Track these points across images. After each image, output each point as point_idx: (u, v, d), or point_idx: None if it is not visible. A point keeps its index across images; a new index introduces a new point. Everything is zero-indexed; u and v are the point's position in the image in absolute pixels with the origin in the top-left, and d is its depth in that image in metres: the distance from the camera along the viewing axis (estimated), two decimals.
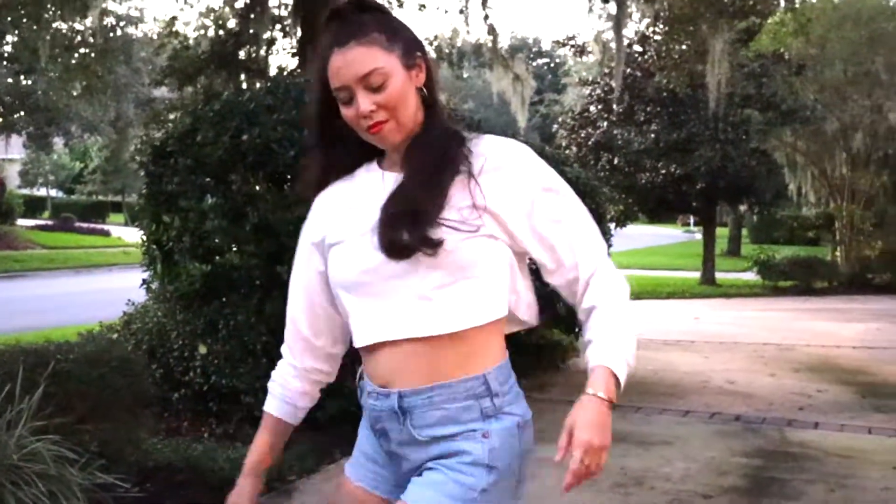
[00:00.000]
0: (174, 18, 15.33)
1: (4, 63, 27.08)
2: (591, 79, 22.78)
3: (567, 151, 20.96)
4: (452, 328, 1.83)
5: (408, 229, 1.79)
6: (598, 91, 21.40)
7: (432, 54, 15.64)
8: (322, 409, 5.54)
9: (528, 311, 2.02)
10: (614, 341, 1.88)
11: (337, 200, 2.01)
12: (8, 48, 26.01)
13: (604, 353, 1.87)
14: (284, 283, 5.52)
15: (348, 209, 1.97)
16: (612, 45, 12.88)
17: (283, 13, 13.38)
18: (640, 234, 39.82)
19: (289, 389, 2.12)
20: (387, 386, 1.90)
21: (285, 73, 11.39)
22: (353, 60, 1.83)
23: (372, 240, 1.85)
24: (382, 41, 1.85)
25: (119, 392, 4.10)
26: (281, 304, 5.77)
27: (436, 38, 14.16)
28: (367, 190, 1.95)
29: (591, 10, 10.42)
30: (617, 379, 1.85)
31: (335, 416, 5.53)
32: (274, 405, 2.12)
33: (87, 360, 4.07)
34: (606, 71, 14.14)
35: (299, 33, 11.33)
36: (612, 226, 23.51)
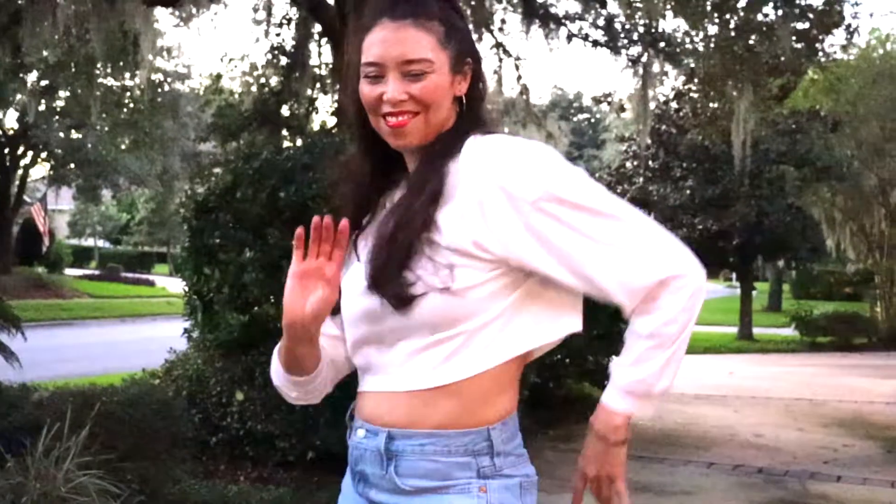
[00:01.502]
0: (219, 76, 15.85)
1: (57, 118, 27.90)
2: (627, 135, 23.06)
3: None
4: (444, 381, 1.62)
5: (382, 282, 1.60)
6: (635, 147, 21.66)
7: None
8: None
9: (567, 326, 1.72)
10: (626, 370, 1.64)
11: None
12: (60, 103, 26.86)
13: (610, 390, 1.66)
14: None
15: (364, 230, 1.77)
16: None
17: (324, 72, 13.82)
18: None
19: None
20: (375, 422, 1.68)
21: (323, 130, 11.80)
22: (404, 40, 1.61)
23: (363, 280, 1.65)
24: (441, 34, 1.63)
25: (158, 433, 4.36)
26: None
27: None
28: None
29: (623, 69, 10.64)
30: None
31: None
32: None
33: (130, 402, 4.35)
34: (641, 127, 14.37)
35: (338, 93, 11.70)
36: None
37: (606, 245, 1.56)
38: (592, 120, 73.67)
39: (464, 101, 1.69)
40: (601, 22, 10.66)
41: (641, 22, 11.07)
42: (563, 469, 6.51)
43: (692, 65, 12.20)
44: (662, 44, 11.04)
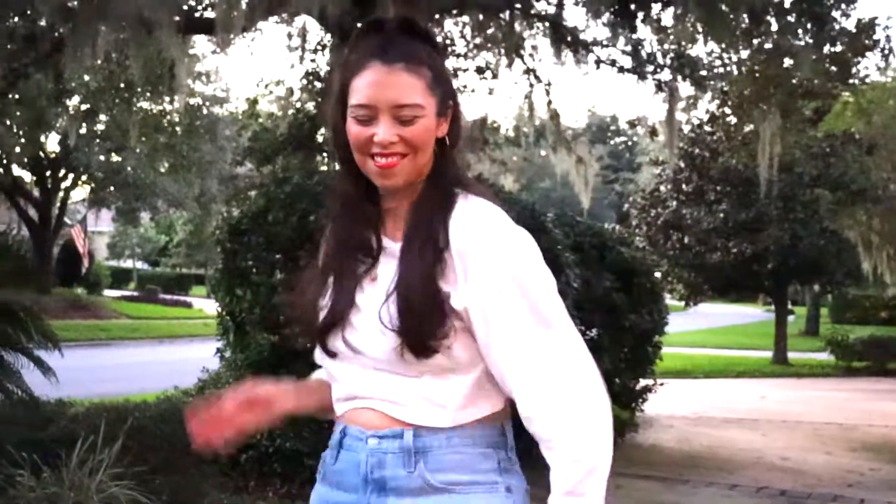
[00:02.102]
0: (256, 101, 16.12)
1: (97, 141, 28.40)
2: (660, 159, 23.09)
3: (637, 231, 21.26)
4: (464, 420, 1.70)
5: (411, 337, 1.64)
6: (668, 171, 21.67)
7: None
8: None
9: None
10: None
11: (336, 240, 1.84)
12: (101, 127, 27.36)
13: None
14: None
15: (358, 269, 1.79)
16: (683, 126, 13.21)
17: None
18: (720, 314, 39.78)
19: None
20: (392, 426, 1.71)
21: None
22: (397, 84, 1.66)
23: (372, 323, 1.69)
24: (429, 79, 1.69)
25: (187, 447, 4.50)
26: None
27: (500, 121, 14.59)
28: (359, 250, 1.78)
29: (654, 93, 10.73)
30: None
31: None
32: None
33: (161, 417, 4.51)
34: (669, 151, 14.43)
35: None
36: (684, 304, 23.65)
37: (534, 351, 1.65)
38: (629, 143, 73.62)
39: (446, 141, 1.75)
40: (628, 48, 10.76)
41: (669, 47, 11.15)
42: None
43: (724, 88, 12.24)
44: (689, 69, 11.11)
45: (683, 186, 20.75)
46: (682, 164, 20.60)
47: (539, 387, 1.65)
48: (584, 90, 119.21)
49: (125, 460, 4.05)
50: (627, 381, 8.98)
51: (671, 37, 10.80)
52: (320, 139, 14.16)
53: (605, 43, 10.93)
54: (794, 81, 12.20)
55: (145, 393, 10.68)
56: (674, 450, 8.51)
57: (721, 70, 11.88)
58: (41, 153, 29.70)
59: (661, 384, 9.85)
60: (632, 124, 22.35)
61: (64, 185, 32.55)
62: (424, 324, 1.63)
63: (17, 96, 12.93)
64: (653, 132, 22.09)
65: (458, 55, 12.64)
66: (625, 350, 8.80)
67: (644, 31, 11.00)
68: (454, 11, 10.81)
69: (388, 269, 1.73)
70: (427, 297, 1.64)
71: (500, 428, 1.72)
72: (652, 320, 9.05)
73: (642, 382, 9.52)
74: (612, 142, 73.80)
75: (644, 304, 8.92)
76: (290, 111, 14.82)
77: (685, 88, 11.75)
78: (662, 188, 21.95)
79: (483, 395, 1.71)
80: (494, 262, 1.64)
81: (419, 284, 1.65)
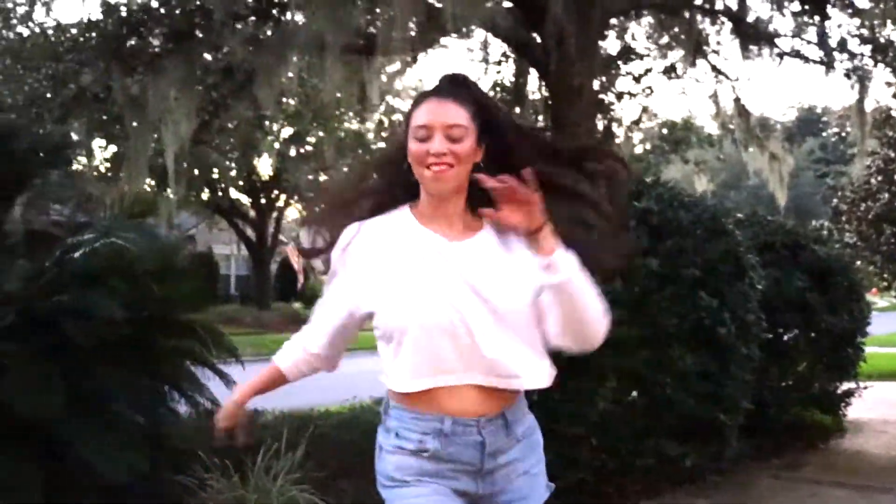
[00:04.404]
0: None
1: (304, 162, 29.72)
2: (870, 150, 21.90)
3: (847, 226, 20.27)
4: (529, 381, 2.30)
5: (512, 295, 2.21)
6: (879, 162, 20.55)
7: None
8: (563, 477, 5.96)
9: None
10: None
11: (381, 242, 2.29)
12: (308, 147, 28.69)
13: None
14: None
15: (402, 259, 2.24)
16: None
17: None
18: None
19: (303, 358, 2.52)
20: (490, 413, 2.25)
21: None
22: (447, 109, 2.19)
23: (465, 301, 2.18)
24: (472, 111, 2.22)
25: (364, 454, 4.72)
26: None
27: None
28: (420, 246, 2.25)
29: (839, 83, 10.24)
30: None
31: (574, 485, 5.92)
32: (287, 361, 2.53)
33: (342, 425, 4.75)
34: (859, 142, 13.69)
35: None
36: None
37: None
38: (843, 134, 69.94)
39: (481, 165, 2.23)
40: (813, 38, 10.32)
41: (860, 32, 10.58)
42: (779, 499, 6.40)
43: None
44: (887, 53, 10.51)
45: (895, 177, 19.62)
46: (894, 154, 19.49)
47: None
48: (789, 83, 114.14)
49: (306, 466, 4.30)
50: (827, 386, 8.60)
51: (865, 21, 10.26)
52: None
53: (789, 34, 10.54)
54: None
55: (339, 403, 11.16)
56: (881, 457, 8.08)
57: None
58: (255, 177, 31.40)
59: (866, 387, 9.37)
60: (841, 116, 21.26)
61: (277, 205, 34.26)
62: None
63: (221, 125, 13.80)
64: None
65: (641, 56, 12.51)
66: (823, 353, 8.45)
67: (836, 17, 10.52)
68: (631, 13, 10.73)
69: None
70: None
71: (523, 393, 2.37)
72: (852, 320, 8.63)
73: (844, 386, 9.09)
74: (823, 133, 70.40)
75: (842, 304, 8.53)
76: None
77: (882, 75, 11.13)
78: (873, 180, 20.81)
79: None
80: None
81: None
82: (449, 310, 2.17)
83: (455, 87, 2.28)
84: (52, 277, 3.64)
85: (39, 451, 3.37)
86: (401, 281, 2.21)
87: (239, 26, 9.85)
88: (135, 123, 9.49)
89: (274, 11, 10.01)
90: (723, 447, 6.41)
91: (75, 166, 9.79)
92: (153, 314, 3.82)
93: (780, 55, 10.50)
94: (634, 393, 5.98)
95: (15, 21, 12.06)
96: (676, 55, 12.33)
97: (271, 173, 31.80)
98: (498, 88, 14.32)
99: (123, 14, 9.55)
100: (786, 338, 8.10)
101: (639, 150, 16.95)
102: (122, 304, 3.42)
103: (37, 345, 3.45)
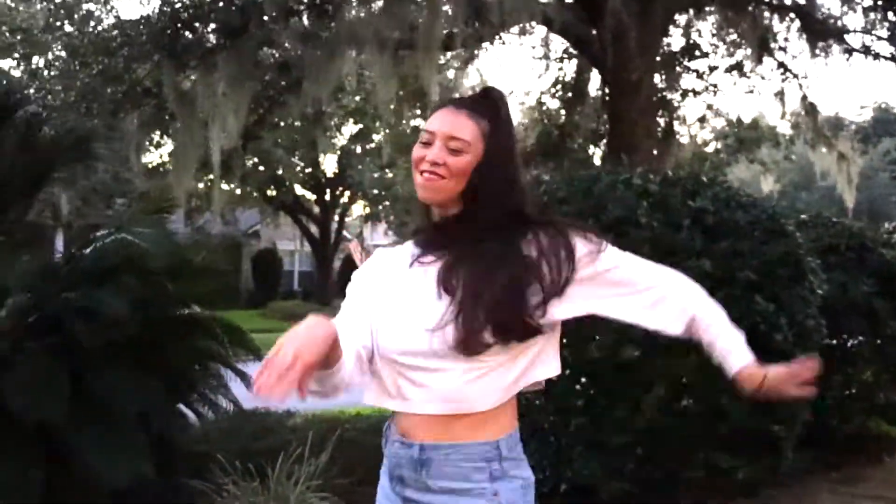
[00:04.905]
0: None
1: (368, 159, 29.79)
2: None
3: None
4: (485, 406, 2.03)
5: (493, 330, 1.98)
6: None
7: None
8: (607, 487, 5.74)
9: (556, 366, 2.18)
10: (736, 338, 2.19)
11: (393, 262, 2.23)
12: (372, 145, 28.74)
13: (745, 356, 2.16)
14: (569, 365, 5.66)
15: (399, 283, 2.14)
16: None
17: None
18: None
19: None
20: (410, 437, 2.08)
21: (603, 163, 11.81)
22: (455, 121, 2.09)
23: (438, 332, 1.99)
24: (484, 128, 2.10)
25: None
26: (566, 384, 5.90)
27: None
28: (409, 271, 2.13)
29: None
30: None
31: (618, 496, 5.70)
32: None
33: (371, 429, 4.58)
34: None
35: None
36: None
37: None
38: None
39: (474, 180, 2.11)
40: (884, 34, 9.88)
41: None
42: None
43: None
44: None
45: None
46: None
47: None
48: (863, 82, 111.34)
49: (332, 472, 4.15)
50: (892, 395, 8.21)
51: None
52: (570, 146, 14.08)
53: (859, 29, 10.11)
54: None
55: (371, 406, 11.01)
56: None
57: None
58: (319, 173, 31.54)
59: None
60: None
61: (342, 201, 34.39)
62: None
63: (276, 121, 13.77)
64: None
65: (706, 54, 12.16)
66: (889, 360, 8.07)
67: None
68: (691, 11, 10.41)
69: None
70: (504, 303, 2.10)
71: (494, 444, 2.07)
72: None
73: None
74: None
75: None
76: (541, 120, 14.79)
77: None
78: None
79: None
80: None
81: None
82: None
83: (480, 99, 2.19)
84: (63, 275, 3.54)
85: (41, 453, 3.26)
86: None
87: (293, 21, 9.76)
88: (184, 119, 9.43)
89: (328, 7, 9.89)
90: (778, 460, 6.13)
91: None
92: (166, 313, 3.69)
93: (849, 51, 10.10)
94: (686, 401, 5.73)
95: (76, 18, 12.17)
96: (743, 53, 11.99)
97: (336, 170, 31.94)
98: (559, 86, 14.08)
99: (178, 7, 9.50)
100: (849, 345, 7.75)
101: (705, 149, 16.56)
102: (132, 303, 3.29)
103: (43, 344, 3.36)
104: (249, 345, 4.23)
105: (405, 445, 2.08)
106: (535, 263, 2.03)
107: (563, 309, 2.06)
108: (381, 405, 2.14)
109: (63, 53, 10.98)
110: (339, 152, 29.50)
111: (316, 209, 34.53)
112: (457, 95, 2.38)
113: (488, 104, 2.16)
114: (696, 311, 2.15)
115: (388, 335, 2.09)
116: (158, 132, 12.68)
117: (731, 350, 2.15)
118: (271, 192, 30.74)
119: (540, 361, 2.10)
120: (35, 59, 11.97)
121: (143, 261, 3.41)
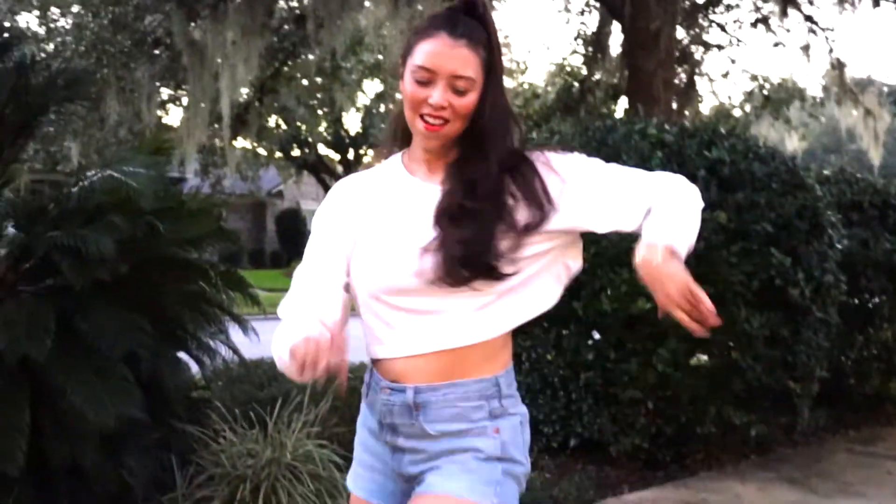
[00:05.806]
0: (525, 69, 16.06)
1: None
2: None
3: None
4: (486, 338, 1.92)
5: (473, 263, 1.84)
6: None
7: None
8: (617, 443, 5.66)
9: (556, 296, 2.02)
10: (675, 223, 1.85)
11: (365, 194, 2.05)
12: (394, 104, 28.59)
13: (663, 233, 1.83)
14: (580, 318, 5.58)
15: (382, 212, 1.99)
16: None
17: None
18: None
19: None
20: (401, 381, 1.94)
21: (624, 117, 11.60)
22: (458, 57, 1.87)
23: (423, 258, 1.87)
24: (484, 58, 1.89)
25: None
26: (577, 338, 5.83)
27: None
28: (402, 196, 1.98)
29: None
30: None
31: (628, 451, 5.62)
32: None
33: None
34: None
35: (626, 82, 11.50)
36: None
37: None
38: None
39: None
40: None
41: None
42: (851, 474, 5.96)
43: None
44: None
45: None
46: None
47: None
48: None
49: (332, 421, 4.09)
50: None
51: None
52: (591, 101, 13.89)
53: None
54: None
55: None
56: None
57: None
58: (342, 132, 31.46)
59: None
60: None
61: (365, 160, 34.32)
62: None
63: (291, 74, 13.62)
64: None
65: (729, 7, 11.91)
66: None
67: None
68: None
69: None
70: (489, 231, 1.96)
71: (493, 381, 1.96)
72: None
73: None
74: None
75: None
76: (561, 75, 14.62)
77: None
78: None
79: None
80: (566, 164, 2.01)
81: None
82: None
83: (467, 23, 1.92)
84: (52, 215, 3.46)
85: (27, 394, 3.21)
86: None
87: None
88: (195, 70, 9.30)
89: None
90: (794, 418, 6.02)
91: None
92: (156, 254, 3.61)
93: (877, 2, 9.83)
94: (699, 356, 5.63)
95: None
96: (769, 8, 11.73)
97: (360, 129, 31.86)
98: (580, 40, 13.87)
99: None
100: (871, 304, 7.59)
101: (728, 106, 16.31)
102: (120, 242, 3.21)
103: (37, 289, 3.29)
104: (247, 291, 4.14)
105: (396, 391, 1.95)
106: (514, 206, 1.89)
107: (546, 236, 1.91)
108: (371, 355, 2.02)
109: (76, 6, 10.91)
110: (361, 111, 29.35)
111: (339, 168, 34.47)
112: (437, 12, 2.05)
113: (481, 24, 1.93)
114: (654, 202, 1.89)
115: (380, 269, 1.95)
116: (173, 84, 12.58)
117: (659, 224, 1.85)
118: (295, 153, 30.69)
119: (542, 291, 1.97)
120: (52, 9, 11.87)
121: (132, 200, 3.32)
